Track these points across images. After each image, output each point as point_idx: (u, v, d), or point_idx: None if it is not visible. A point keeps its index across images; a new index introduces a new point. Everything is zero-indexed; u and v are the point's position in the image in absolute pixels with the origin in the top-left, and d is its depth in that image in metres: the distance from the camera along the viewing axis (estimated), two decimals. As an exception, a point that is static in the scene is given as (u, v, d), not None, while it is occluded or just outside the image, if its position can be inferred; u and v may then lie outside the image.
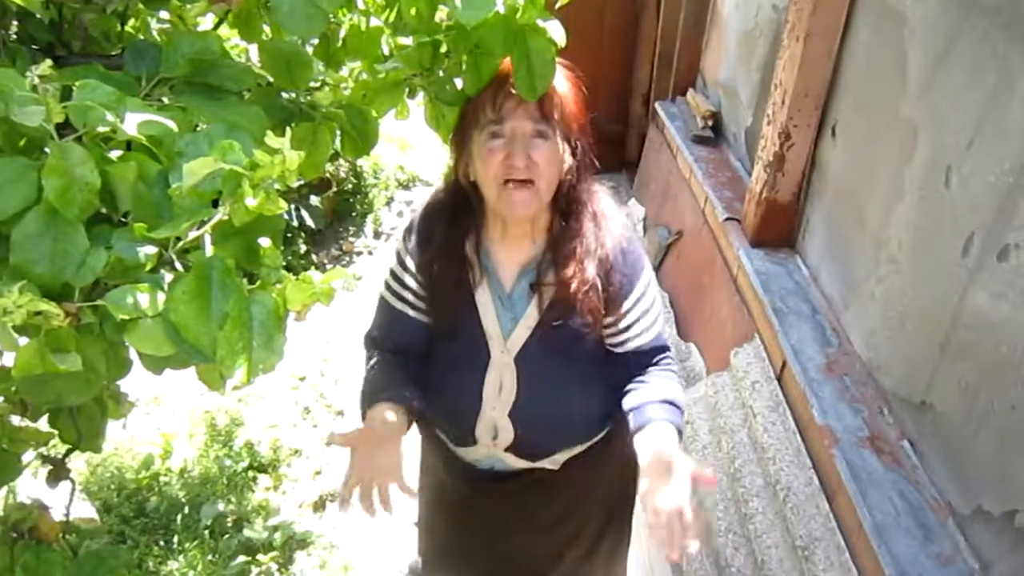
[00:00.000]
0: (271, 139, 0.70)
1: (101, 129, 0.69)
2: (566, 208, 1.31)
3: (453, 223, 1.34)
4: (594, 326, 1.34)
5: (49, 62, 0.68)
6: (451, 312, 1.37)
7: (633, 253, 1.36)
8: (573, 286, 1.29)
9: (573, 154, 1.27)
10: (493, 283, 1.35)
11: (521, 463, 1.47)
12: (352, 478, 1.21)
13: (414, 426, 1.62)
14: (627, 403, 1.37)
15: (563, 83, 1.26)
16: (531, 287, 1.33)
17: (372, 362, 1.44)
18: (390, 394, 1.33)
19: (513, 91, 1.19)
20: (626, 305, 1.35)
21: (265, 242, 0.77)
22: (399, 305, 1.41)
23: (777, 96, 2.23)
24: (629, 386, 1.39)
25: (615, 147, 4.07)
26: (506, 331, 1.35)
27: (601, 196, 1.36)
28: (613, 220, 1.35)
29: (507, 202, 1.25)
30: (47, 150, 0.69)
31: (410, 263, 1.38)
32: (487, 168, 1.23)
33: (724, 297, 2.48)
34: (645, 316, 1.37)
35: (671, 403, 1.34)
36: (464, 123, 1.26)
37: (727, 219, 2.54)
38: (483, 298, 1.35)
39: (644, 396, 1.36)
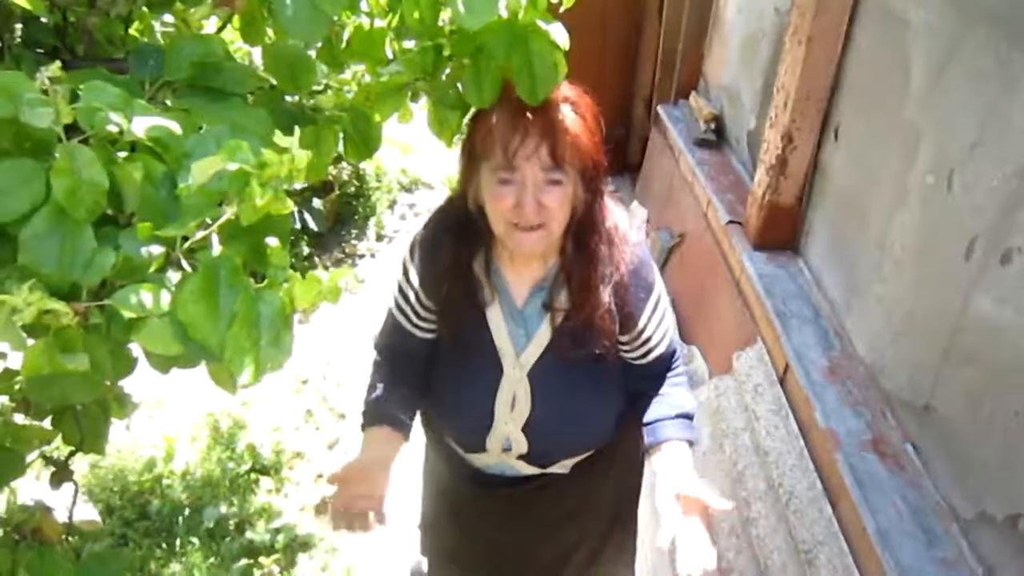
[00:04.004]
0: (279, 138, 0.70)
1: (109, 130, 0.69)
2: (578, 230, 1.27)
3: (461, 241, 1.31)
4: (609, 347, 1.33)
5: (58, 64, 0.68)
6: (462, 329, 1.36)
7: (645, 270, 1.34)
8: (587, 312, 1.28)
9: (587, 185, 1.23)
10: (504, 300, 1.34)
11: (531, 469, 1.47)
12: (337, 502, 1.28)
13: (417, 429, 1.63)
14: (644, 417, 1.41)
15: (576, 118, 1.20)
16: (544, 307, 1.32)
17: (376, 371, 1.45)
18: (388, 417, 1.36)
19: (526, 137, 1.15)
20: (642, 322, 1.35)
21: (272, 242, 0.77)
22: (403, 320, 1.40)
23: (779, 99, 2.23)
24: (649, 400, 1.42)
25: (617, 150, 4.07)
26: (519, 347, 1.35)
27: (614, 212, 1.33)
28: (626, 238, 1.32)
29: (515, 242, 1.23)
30: (55, 152, 0.70)
31: (415, 280, 1.37)
32: (495, 209, 1.21)
33: (726, 300, 2.48)
34: (660, 326, 1.38)
35: (684, 416, 1.39)
36: (474, 150, 1.23)
37: (729, 222, 2.54)
38: (494, 315, 1.34)
39: (659, 412, 1.39)
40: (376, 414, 1.38)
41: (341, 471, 1.30)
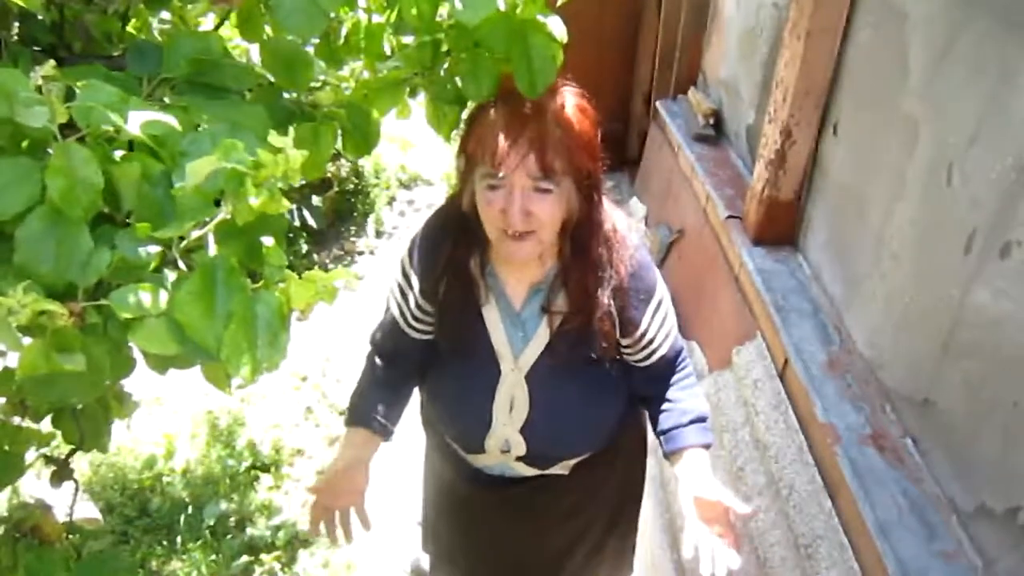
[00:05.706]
0: (274, 138, 0.69)
1: (105, 129, 0.69)
2: (576, 233, 1.26)
3: (458, 242, 1.31)
4: (608, 350, 1.33)
5: (53, 63, 0.68)
6: (460, 330, 1.35)
7: (645, 273, 1.33)
8: (585, 315, 1.28)
9: (582, 191, 1.22)
10: (501, 301, 1.33)
11: (531, 470, 1.47)
12: (316, 507, 1.33)
13: (418, 428, 1.63)
14: (659, 425, 1.41)
15: (570, 126, 1.18)
16: (542, 309, 1.31)
17: (368, 367, 1.47)
18: (368, 420, 1.39)
19: (515, 145, 1.14)
20: (643, 326, 1.33)
21: (268, 241, 0.77)
22: (400, 321, 1.40)
23: (778, 94, 2.23)
24: (661, 407, 1.41)
25: (616, 145, 4.07)
26: (517, 349, 1.34)
27: (613, 214, 1.31)
28: (625, 241, 1.30)
29: (506, 250, 1.23)
30: (50, 151, 0.69)
31: (414, 280, 1.36)
32: (485, 214, 1.21)
33: (726, 295, 2.48)
34: (662, 328, 1.36)
35: (699, 420, 1.39)
36: (468, 152, 1.22)
37: (728, 217, 2.54)
38: (491, 316, 1.33)
39: (674, 420, 1.39)
40: (358, 415, 1.41)
41: (321, 482, 1.34)
